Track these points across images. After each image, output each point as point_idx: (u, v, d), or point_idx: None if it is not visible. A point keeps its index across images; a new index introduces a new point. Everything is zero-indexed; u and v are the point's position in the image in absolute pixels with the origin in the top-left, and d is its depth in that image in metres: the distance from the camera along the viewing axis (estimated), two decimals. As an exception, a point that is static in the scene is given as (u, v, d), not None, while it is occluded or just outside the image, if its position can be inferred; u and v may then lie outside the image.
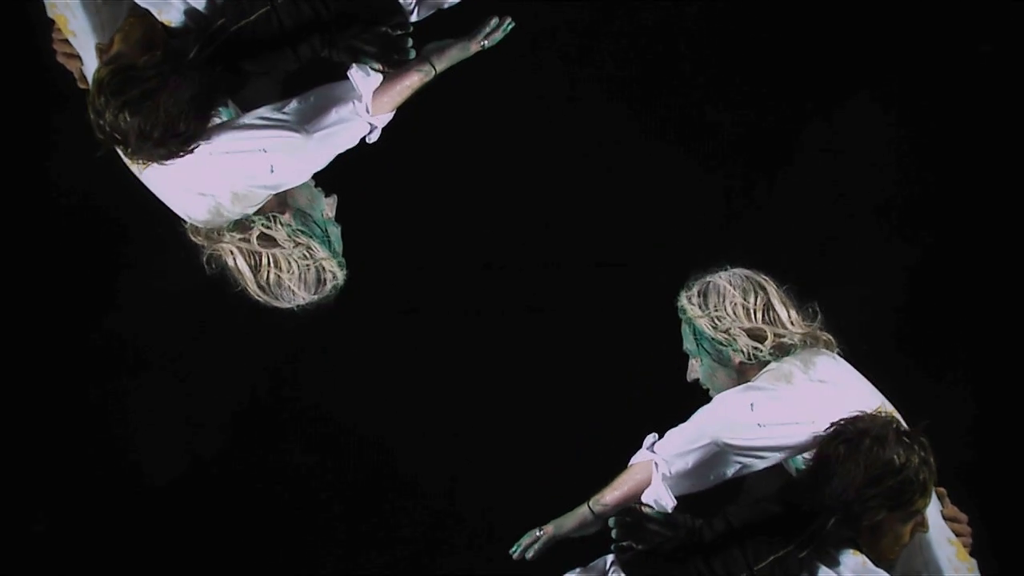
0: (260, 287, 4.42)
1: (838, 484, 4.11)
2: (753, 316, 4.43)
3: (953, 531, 4.36)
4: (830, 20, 5.34)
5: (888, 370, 4.43)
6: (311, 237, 4.48)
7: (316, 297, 4.46)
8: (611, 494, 4.47)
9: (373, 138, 4.48)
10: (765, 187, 5.37)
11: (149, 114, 4.08)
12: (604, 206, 5.35)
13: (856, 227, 5.36)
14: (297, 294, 4.44)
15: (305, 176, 4.42)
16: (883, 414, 4.20)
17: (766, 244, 5.30)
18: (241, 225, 4.41)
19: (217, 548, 5.30)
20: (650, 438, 4.47)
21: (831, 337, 4.44)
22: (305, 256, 4.44)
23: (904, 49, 5.35)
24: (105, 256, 5.32)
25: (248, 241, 4.41)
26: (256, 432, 5.33)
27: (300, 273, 4.44)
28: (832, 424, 4.19)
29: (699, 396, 5.13)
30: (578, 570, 4.48)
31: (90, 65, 4.33)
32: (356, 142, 4.45)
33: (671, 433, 4.42)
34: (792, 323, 4.43)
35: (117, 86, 4.08)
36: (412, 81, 4.49)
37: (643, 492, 4.41)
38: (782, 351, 4.41)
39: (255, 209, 4.40)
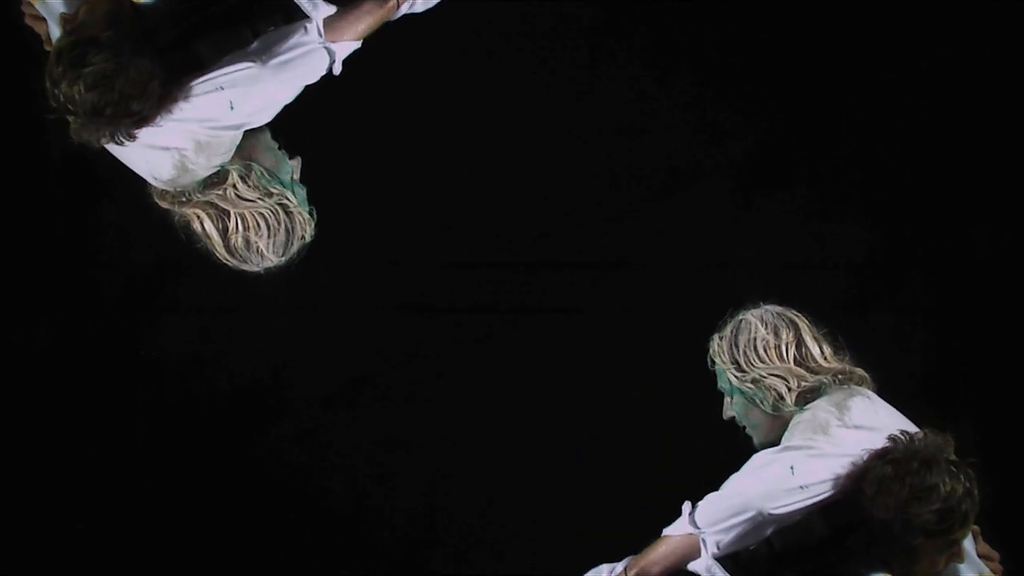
0: (229, 251, 4.41)
1: (881, 502, 4.09)
2: (784, 354, 4.41)
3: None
4: (839, 19, 5.34)
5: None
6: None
7: (284, 259, 4.45)
8: (654, 568, 4.43)
9: (337, 69, 4.44)
10: (770, 193, 5.37)
11: (104, 91, 4.09)
12: (603, 205, 5.35)
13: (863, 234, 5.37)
14: (266, 256, 4.43)
15: (268, 113, 4.38)
16: (936, 440, 4.18)
17: (769, 247, 5.31)
18: (215, 179, 4.39)
19: (212, 543, 5.31)
20: (687, 507, 4.41)
21: (864, 373, 4.42)
22: (277, 207, 4.43)
23: (907, 51, 5.35)
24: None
25: (222, 196, 4.38)
26: (244, 434, 5.33)
27: (270, 232, 4.42)
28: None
29: (697, 395, 5.13)
30: None
31: (55, 31, 4.32)
32: (319, 72, 4.41)
33: (711, 505, 4.36)
34: (825, 359, 4.41)
35: (75, 59, 4.09)
36: (370, 6, 4.47)
37: (687, 563, 4.37)
38: (814, 393, 4.39)
39: (220, 160, 4.37)
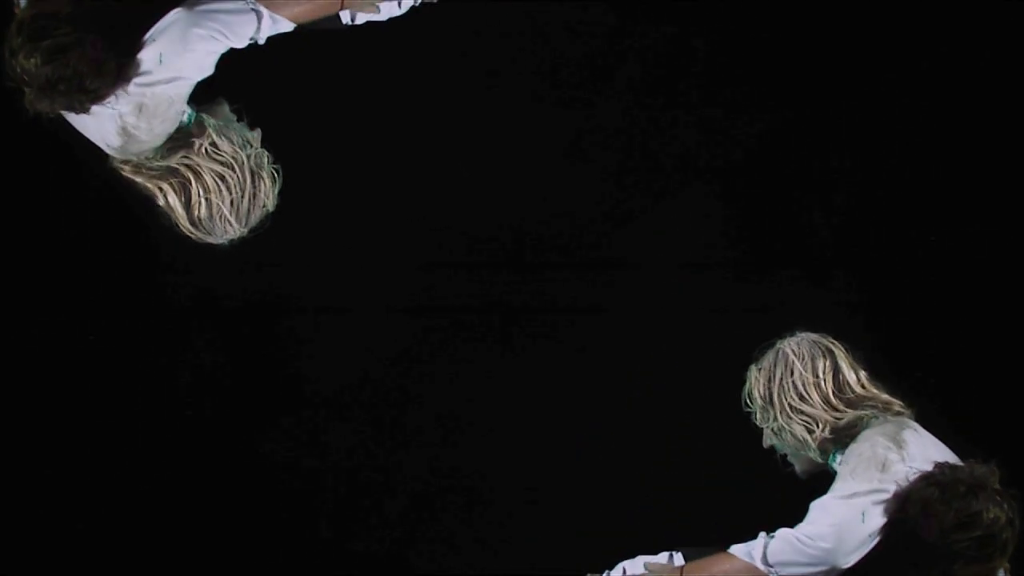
0: (192, 222, 4.42)
1: (924, 524, 4.12)
2: (823, 384, 4.41)
3: None
4: (839, 19, 5.34)
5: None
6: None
7: (247, 228, 4.45)
8: None
9: (261, 37, 4.45)
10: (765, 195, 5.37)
11: (59, 66, 4.14)
12: (603, 205, 5.35)
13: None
14: (230, 224, 4.43)
15: (197, 66, 4.37)
16: (981, 469, 4.21)
17: (770, 247, 5.31)
18: (183, 140, 4.40)
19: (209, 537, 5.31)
20: (763, 536, 4.40)
21: (902, 404, 4.43)
22: (247, 169, 4.43)
23: (908, 53, 5.35)
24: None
25: (195, 151, 4.38)
26: (244, 434, 5.32)
27: (233, 200, 4.42)
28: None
29: (696, 395, 5.14)
30: None
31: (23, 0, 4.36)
32: (243, 33, 4.41)
33: (786, 547, 4.34)
34: (862, 386, 4.42)
35: (35, 32, 4.15)
36: None
37: None
38: (851, 430, 4.39)
39: (163, 128, 4.37)
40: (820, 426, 4.42)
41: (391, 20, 4.71)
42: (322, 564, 5.28)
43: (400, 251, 5.31)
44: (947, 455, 4.32)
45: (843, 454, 4.37)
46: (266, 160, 4.49)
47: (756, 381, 4.46)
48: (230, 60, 4.67)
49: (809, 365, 4.42)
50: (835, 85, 5.34)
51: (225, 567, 5.26)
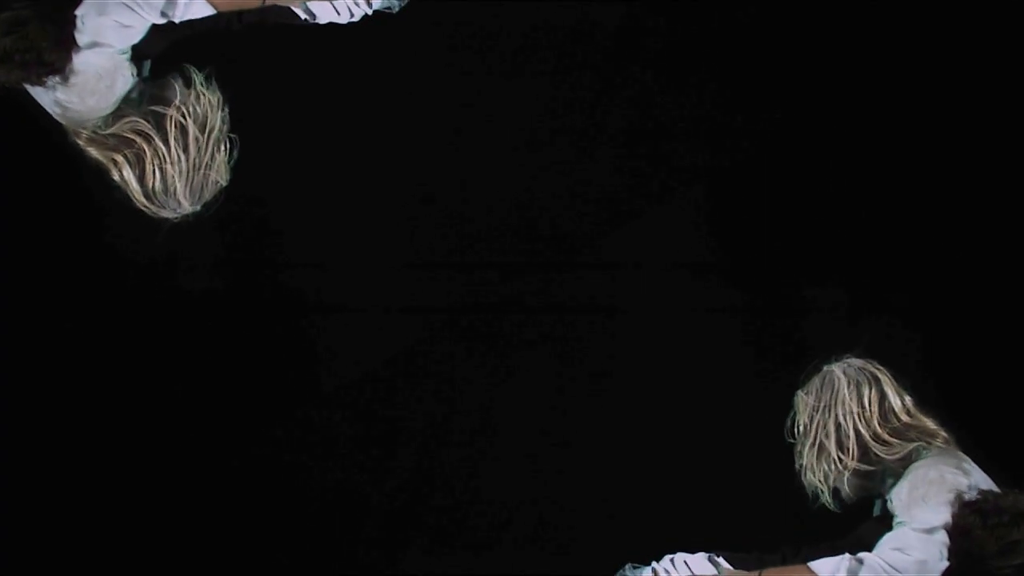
0: (147, 196, 4.44)
1: (966, 550, 4.14)
2: (867, 413, 4.42)
3: None
4: (840, 19, 5.35)
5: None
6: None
7: (199, 205, 4.47)
8: None
9: (176, 15, 4.46)
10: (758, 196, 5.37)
11: (18, 39, 4.23)
12: (603, 205, 5.35)
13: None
14: (182, 200, 4.44)
15: (116, 33, 4.39)
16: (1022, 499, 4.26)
17: (769, 247, 5.32)
18: (170, 91, 4.43)
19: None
20: (845, 559, 4.41)
21: (947, 434, 4.44)
22: (220, 127, 4.45)
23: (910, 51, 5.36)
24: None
25: (171, 109, 4.41)
26: (244, 434, 5.32)
27: (188, 175, 4.43)
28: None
29: (695, 397, 5.13)
30: None
31: None
32: (156, 4, 4.42)
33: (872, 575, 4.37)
34: (907, 413, 4.44)
35: None
36: None
37: None
38: (903, 462, 4.41)
39: (95, 98, 4.39)
40: (840, 467, 4.44)
41: (380, 20, 4.70)
42: (319, 564, 5.29)
43: (399, 251, 5.32)
44: (991, 485, 4.36)
45: (894, 480, 4.39)
46: (226, 128, 4.52)
47: (804, 407, 4.46)
48: (228, 60, 4.68)
49: (855, 393, 4.44)
50: (836, 85, 5.34)
51: (221, 566, 5.26)
